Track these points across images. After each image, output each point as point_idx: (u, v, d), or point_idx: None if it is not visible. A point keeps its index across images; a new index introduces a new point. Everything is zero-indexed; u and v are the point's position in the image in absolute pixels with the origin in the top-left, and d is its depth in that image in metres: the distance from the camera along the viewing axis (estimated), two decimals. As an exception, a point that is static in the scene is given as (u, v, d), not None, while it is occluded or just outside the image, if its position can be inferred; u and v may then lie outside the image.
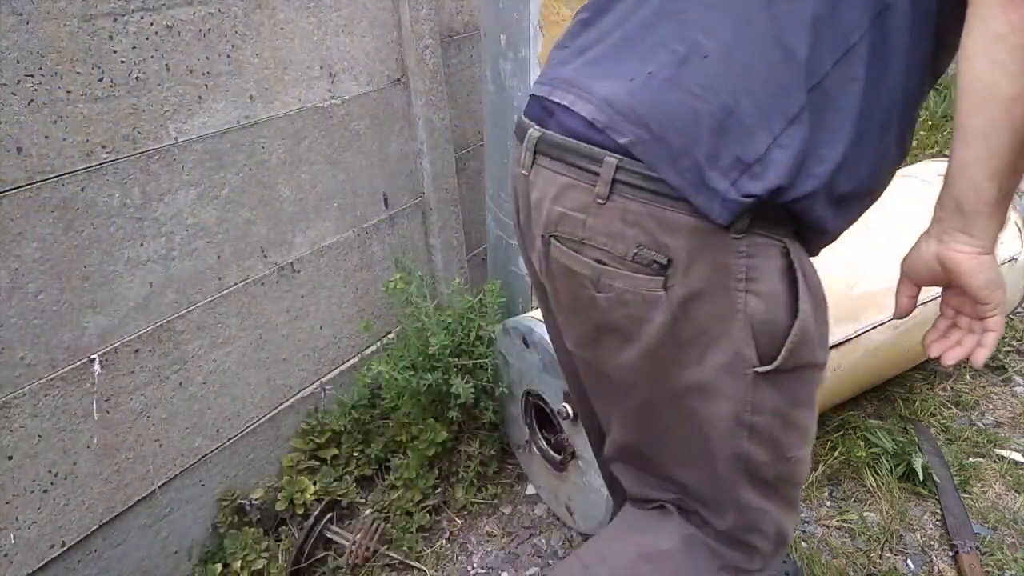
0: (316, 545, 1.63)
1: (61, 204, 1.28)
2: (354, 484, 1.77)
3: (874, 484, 1.77)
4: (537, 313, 1.67)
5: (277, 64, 1.61)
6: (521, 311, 2.01)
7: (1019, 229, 1.97)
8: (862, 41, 0.77)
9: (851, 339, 1.71)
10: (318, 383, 1.87)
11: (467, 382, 1.69)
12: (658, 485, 1.00)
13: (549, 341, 1.54)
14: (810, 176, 0.78)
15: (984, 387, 2.10)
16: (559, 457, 1.64)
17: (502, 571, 1.66)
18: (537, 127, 0.90)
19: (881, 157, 0.84)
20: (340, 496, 1.73)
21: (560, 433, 1.63)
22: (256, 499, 1.65)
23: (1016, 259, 1.96)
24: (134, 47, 1.34)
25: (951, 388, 2.08)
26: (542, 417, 1.72)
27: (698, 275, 0.80)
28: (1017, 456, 1.83)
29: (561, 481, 1.67)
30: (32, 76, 1.20)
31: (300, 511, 1.69)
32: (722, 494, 0.93)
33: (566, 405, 1.52)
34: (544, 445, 1.71)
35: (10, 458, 1.26)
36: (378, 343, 2.01)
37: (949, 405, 2.02)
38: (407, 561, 1.65)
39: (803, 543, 1.63)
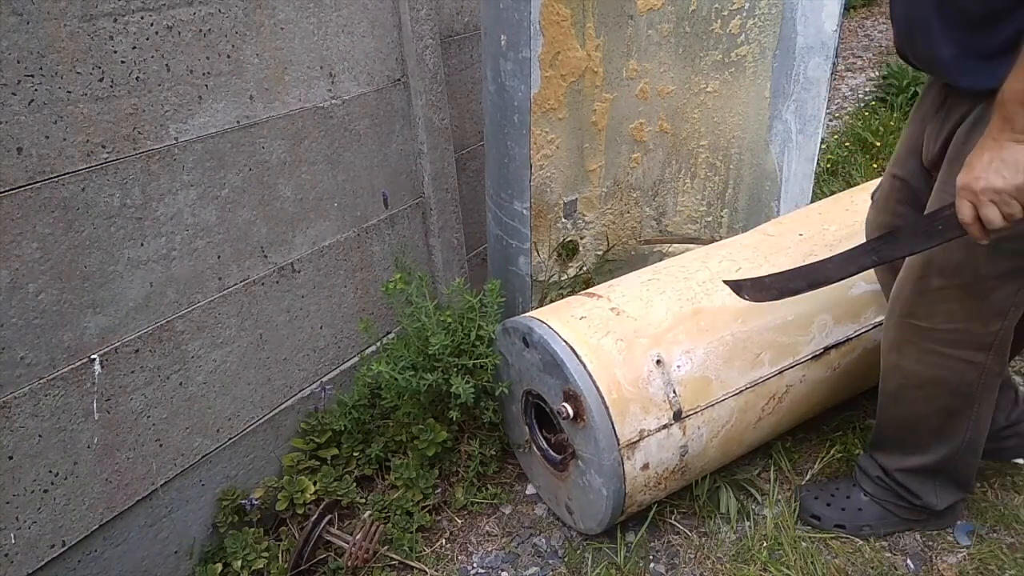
0: (316, 546, 1.63)
1: (61, 204, 1.28)
2: (354, 484, 1.77)
3: (874, 484, 1.77)
4: (537, 312, 1.67)
5: (277, 64, 1.61)
6: (521, 311, 2.01)
7: None
8: None
9: (851, 339, 1.71)
10: (318, 383, 1.87)
11: (467, 382, 1.69)
12: None
13: (548, 341, 1.54)
14: None
15: (984, 387, 2.09)
16: (559, 457, 1.65)
17: (502, 571, 1.66)
18: None
19: None
20: (340, 496, 1.73)
21: (560, 433, 1.63)
22: (256, 499, 1.65)
23: None
24: (134, 47, 1.34)
25: (951, 388, 2.08)
26: (542, 417, 1.72)
27: None
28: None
29: (561, 481, 1.67)
30: (32, 76, 1.20)
31: (300, 511, 1.69)
32: None
33: (566, 405, 1.52)
34: (544, 445, 1.71)
35: (10, 458, 1.27)
36: (378, 343, 2.01)
37: (949, 405, 2.02)
38: (407, 561, 1.66)
39: (803, 543, 1.63)
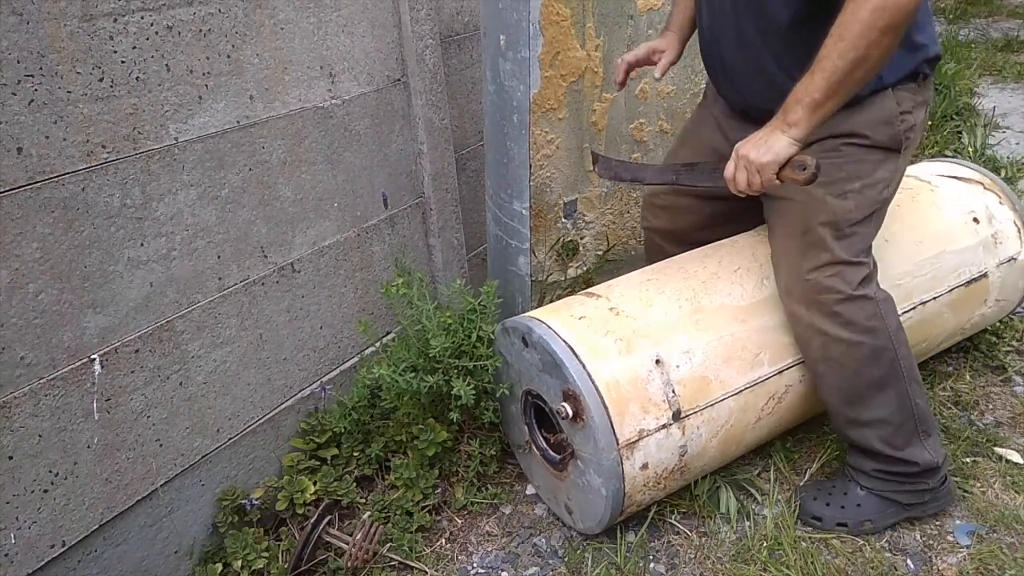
0: (316, 547, 1.63)
1: (61, 204, 1.28)
2: (354, 484, 1.77)
3: (874, 484, 1.77)
4: (537, 312, 1.67)
5: (277, 64, 1.61)
6: (521, 311, 2.01)
7: (1019, 229, 1.97)
8: None
9: (851, 339, 1.71)
10: (318, 383, 1.87)
11: (467, 383, 1.69)
12: None
13: (548, 341, 1.55)
14: None
15: (984, 387, 2.10)
16: (558, 457, 1.65)
17: (502, 571, 1.66)
18: None
19: None
20: (340, 496, 1.73)
21: (559, 433, 1.63)
22: (256, 499, 1.65)
23: (1016, 258, 1.96)
24: (134, 47, 1.34)
25: (951, 388, 2.08)
26: (541, 417, 1.72)
27: None
28: (1015, 457, 1.83)
29: (561, 481, 1.67)
30: (32, 76, 1.20)
31: (300, 511, 1.69)
32: None
33: (565, 404, 1.52)
34: (544, 445, 1.71)
35: (10, 458, 1.27)
36: (378, 343, 2.01)
37: (949, 405, 2.02)
38: (407, 561, 1.66)
39: (803, 543, 1.63)
